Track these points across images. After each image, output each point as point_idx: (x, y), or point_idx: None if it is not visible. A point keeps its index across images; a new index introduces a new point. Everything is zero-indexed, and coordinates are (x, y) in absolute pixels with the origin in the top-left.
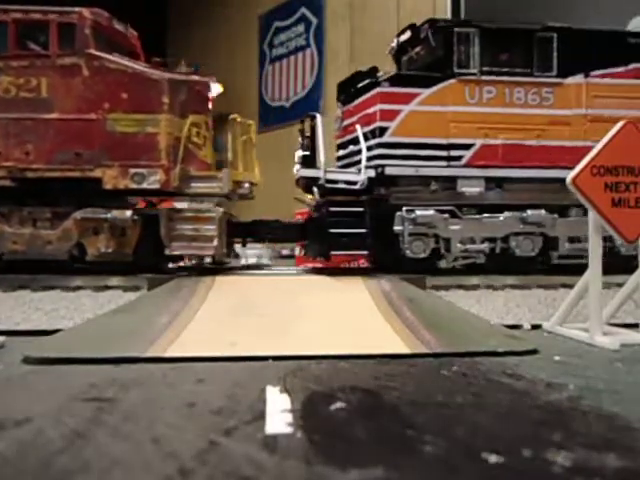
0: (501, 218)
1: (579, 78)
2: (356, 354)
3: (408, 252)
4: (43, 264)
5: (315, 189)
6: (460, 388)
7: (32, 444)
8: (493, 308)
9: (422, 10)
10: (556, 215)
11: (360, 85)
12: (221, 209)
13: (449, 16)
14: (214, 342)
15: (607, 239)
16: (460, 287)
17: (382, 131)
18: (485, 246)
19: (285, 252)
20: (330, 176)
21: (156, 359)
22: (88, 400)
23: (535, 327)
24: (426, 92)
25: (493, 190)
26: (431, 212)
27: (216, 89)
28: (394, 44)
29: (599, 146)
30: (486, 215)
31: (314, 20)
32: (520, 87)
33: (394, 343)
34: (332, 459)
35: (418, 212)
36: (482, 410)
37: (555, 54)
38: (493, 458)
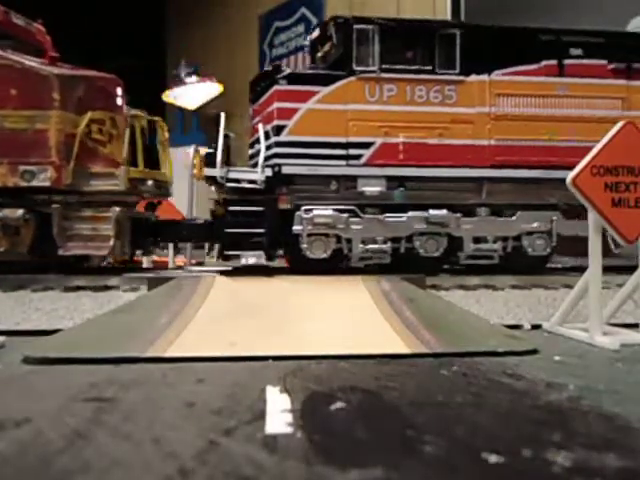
0: (404, 218)
1: (483, 76)
2: (356, 354)
3: (308, 253)
4: (43, 264)
5: (213, 188)
6: (460, 388)
7: (32, 444)
8: (493, 308)
9: (422, 10)
10: (459, 215)
11: (263, 84)
12: (118, 208)
13: (449, 16)
14: (214, 342)
15: (515, 239)
16: (460, 287)
17: (279, 130)
18: (388, 246)
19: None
20: (233, 175)
21: (156, 359)
22: (88, 400)
23: (535, 327)
24: (324, 90)
25: (396, 189)
26: (329, 212)
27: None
28: (307, 42)
29: (599, 146)
30: (388, 215)
31: (314, 20)
32: (422, 85)
33: (394, 343)
34: (332, 459)
35: (316, 212)
36: (482, 410)
37: (458, 51)
38: (493, 458)
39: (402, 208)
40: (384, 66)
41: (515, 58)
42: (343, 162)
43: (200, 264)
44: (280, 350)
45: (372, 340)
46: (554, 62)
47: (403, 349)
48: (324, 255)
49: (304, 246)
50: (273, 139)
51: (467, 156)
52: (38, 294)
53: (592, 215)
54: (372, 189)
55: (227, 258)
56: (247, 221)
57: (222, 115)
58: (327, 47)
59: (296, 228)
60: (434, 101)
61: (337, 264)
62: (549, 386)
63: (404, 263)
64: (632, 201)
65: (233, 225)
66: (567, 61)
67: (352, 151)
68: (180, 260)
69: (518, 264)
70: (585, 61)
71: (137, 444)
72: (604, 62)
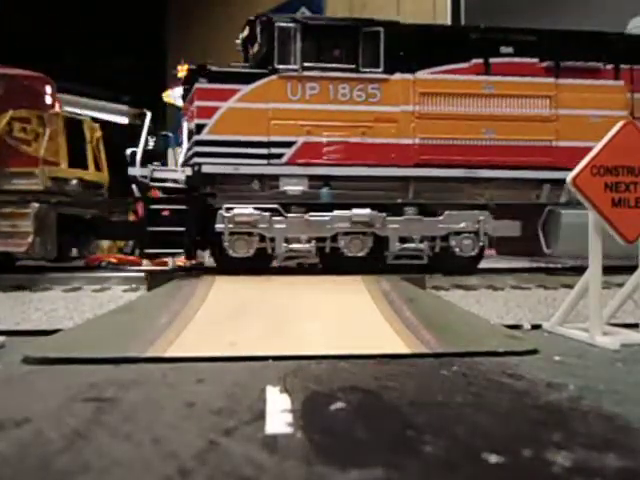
0: (327, 217)
1: (407, 74)
2: (356, 354)
3: (230, 251)
4: (43, 264)
5: (134, 187)
6: (460, 388)
7: (32, 444)
8: (493, 308)
9: (422, 10)
10: (384, 214)
11: (190, 82)
12: (37, 205)
13: (449, 17)
14: (214, 342)
15: (443, 239)
16: (460, 287)
17: (199, 128)
18: (312, 245)
19: None
20: (158, 175)
21: (156, 359)
22: (88, 400)
23: (535, 327)
24: (246, 88)
25: (322, 189)
26: (250, 210)
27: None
28: (239, 41)
29: (599, 146)
30: (312, 214)
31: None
32: (345, 83)
33: (394, 343)
34: (332, 459)
35: (236, 210)
36: (482, 410)
37: (382, 50)
38: (493, 458)
39: (331, 207)
40: (306, 64)
41: (443, 57)
42: (264, 161)
43: (200, 264)
44: (280, 350)
45: (372, 340)
46: (483, 60)
47: (403, 349)
48: (247, 254)
49: (226, 245)
50: (193, 138)
51: (391, 155)
52: (38, 294)
53: (592, 215)
54: (294, 188)
55: (151, 257)
56: (169, 220)
57: (148, 114)
58: (256, 46)
59: (218, 227)
60: (357, 100)
61: (262, 263)
62: (549, 386)
63: (330, 263)
64: (632, 201)
65: (152, 223)
66: (495, 59)
67: (273, 150)
68: (180, 260)
69: (448, 264)
70: (514, 59)
71: (137, 444)
72: (535, 60)
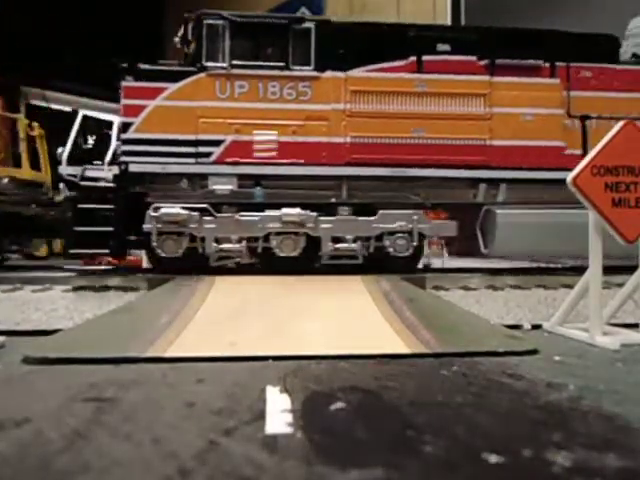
0: (257, 217)
1: (338, 72)
2: (356, 354)
3: (159, 251)
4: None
5: (61, 186)
6: (460, 388)
7: (32, 444)
8: (493, 308)
9: (422, 10)
10: (315, 214)
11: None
12: None
13: (449, 17)
14: (214, 342)
15: (377, 239)
16: (460, 287)
17: (126, 127)
18: (242, 245)
19: None
20: (90, 174)
21: (156, 359)
22: (88, 400)
23: (535, 327)
24: (174, 87)
25: (254, 188)
26: (177, 210)
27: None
28: (176, 39)
29: (599, 146)
30: (243, 214)
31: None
32: (275, 81)
33: (394, 343)
34: (332, 459)
35: (163, 210)
36: (482, 410)
37: (313, 47)
38: (493, 458)
39: (265, 207)
40: (235, 62)
41: (379, 55)
42: (192, 160)
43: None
44: (280, 350)
45: (372, 340)
46: (416, 59)
47: (403, 349)
48: (176, 254)
49: (154, 244)
50: (120, 136)
51: (322, 154)
52: (38, 294)
53: (592, 215)
54: (223, 187)
55: (76, 257)
56: (96, 219)
57: (80, 113)
58: (190, 43)
59: (146, 226)
60: (288, 98)
61: (194, 263)
62: (549, 386)
63: (263, 263)
64: (632, 201)
65: (79, 223)
66: (429, 57)
67: (202, 149)
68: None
69: (385, 264)
70: (449, 57)
71: (137, 444)
72: (470, 58)
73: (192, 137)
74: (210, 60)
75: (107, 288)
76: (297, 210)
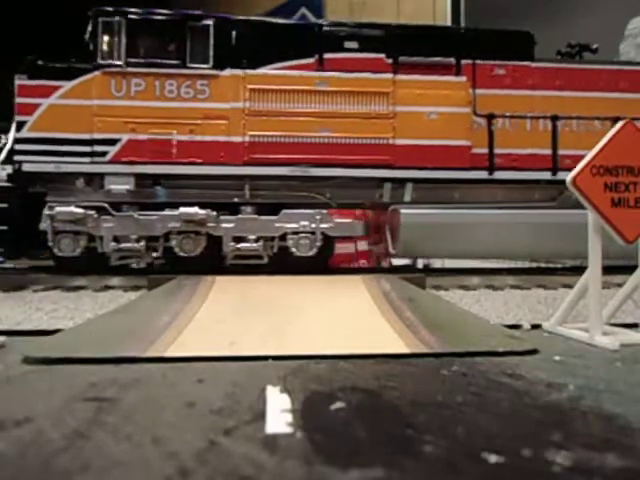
0: (156, 216)
1: (237, 70)
2: (356, 354)
3: (56, 251)
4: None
5: None
6: (460, 388)
7: (32, 444)
8: (493, 308)
9: (422, 10)
10: (215, 213)
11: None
12: None
13: (449, 17)
14: (214, 342)
15: (281, 238)
16: (460, 287)
17: (20, 126)
18: (142, 245)
19: None
20: None
21: (156, 359)
22: (88, 400)
23: (535, 327)
24: (69, 85)
25: (151, 187)
26: (72, 209)
27: None
28: (87, 37)
29: (599, 146)
30: (142, 213)
31: (313, 20)
32: (172, 79)
33: (394, 343)
34: (332, 459)
35: (59, 209)
36: (482, 410)
37: (212, 45)
38: (493, 458)
39: (169, 206)
40: (131, 60)
41: (282, 53)
42: (88, 159)
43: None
44: (280, 350)
45: (372, 340)
46: (317, 57)
47: (403, 349)
48: (73, 253)
49: (50, 244)
50: (15, 135)
51: (220, 153)
52: (38, 294)
53: (592, 215)
54: (119, 187)
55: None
56: None
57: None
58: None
59: (43, 225)
60: (185, 96)
61: (95, 263)
62: (549, 386)
63: (167, 263)
64: (632, 201)
65: None
66: (331, 55)
67: (97, 148)
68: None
69: (290, 264)
70: (353, 55)
71: (137, 444)
72: (375, 55)
73: (87, 136)
74: (105, 58)
75: (107, 288)
76: (195, 209)
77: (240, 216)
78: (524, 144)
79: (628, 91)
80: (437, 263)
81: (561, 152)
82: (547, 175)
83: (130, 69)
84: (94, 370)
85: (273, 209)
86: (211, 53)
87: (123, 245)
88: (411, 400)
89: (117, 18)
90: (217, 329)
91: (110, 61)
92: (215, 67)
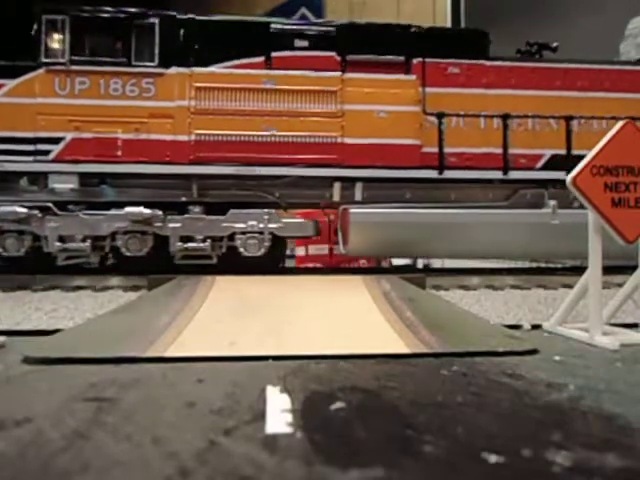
0: (102, 215)
1: (183, 68)
2: (356, 354)
3: (1, 250)
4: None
5: None
6: (460, 388)
7: (32, 444)
8: (493, 308)
9: (422, 10)
10: (160, 212)
11: None
12: None
13: (449, 17)
14: (214, 342)
15: (230, 238)
16: (460, 287)
17: None
18: (87, 245)
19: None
20: None
21: (156, 359)
22: (88, 400)
23: (535, 327)
24: (12, 83)
25: (98, 186)
26: (13, 208)
27: None
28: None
29: (599, 146)
30: (86, 212)
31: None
32: (117, 78)
33: (394, 343)
34: (332, 459)
35: (1, 209)
36: (482, 410)
37: (157, 43)
38: (493, 458)
39: (117, 206)
40: (75, 58)
41: (231, 51)
42: (31, 158)
43: None
44: (280, 350)
45: (372, 340)
46: (265, 55)
47: (403, 349)
48: (19, 253)
49: None
50: None
51: (166, 152)
52: (38, 294)
53: (592, 215)
54: (63, 186)
55: None
56: None
57: None
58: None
59: None
60: (130, 95)
61: (38, 262)
62: (549, 386)
63: (113, 262)
64: (632, 201)
65: None
66: (279, 53)
67: (40, 147)
68: None
69: (240, 265)
70: (302, 53)
71: (137, 444)
72: (324, 54)
73: (30, 135)
74: (49, 56)
75: (107, 288)
76: (140, 209)
77: (187, 216)
78: (478, 143)
79: (587, 89)
80: (437, 263)
81: (516, 151)
82: (499, 174)
83: (74, 67)
84: (94, 370)
85: (224, 209)
86: (157, 51)
87: (68, 245)
88: (411, 400)
89: (61, 16)
90: (217, 329)
91: (54, 59)
92: (161, 65)
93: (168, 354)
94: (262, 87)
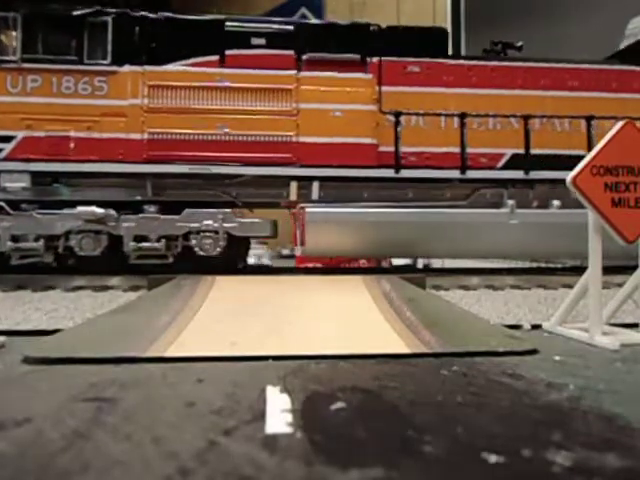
0: (56, 215)
1: (136, 66)
2: (356, 354)
3: None
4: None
5: None
6: (460, 388)
7: (32, 444)
8: (493, 308)
9: (422, 10)
10: (113, 211)
11: None
12: None
13: (449, 17)
14: (214, 342)
15: (185, 238)
16: (460, 287)
17: None
18: (40, 244)
19: (285, 252)
20: None
21: (156, 359)
22: (88, 400)
23: (535, 327)
24: None
25: (51, 185)
26: None
27: None
28: None
29: (599, 146)
30: (39, 211)
31: (314, 20)
32: (69, 76)
33: (394, 343)
34: (332, 459)
35: None
36: (482, 410)
37: (110, 41)
38: (493, 458)
39: (71, 205)
40: (26, 56)
41: (186, 49)
42: None
43: None
44: (280, 350)
45: (372, 340)
46: (220, 53)
47: (403, 349)
48: None
49: None
50: None
51: (119, 150)
52: (38, 294)
53: (592, 215)
54: (14, 185)
55: None
56: None
57: None
58: None
59: None
60: (83, 93)
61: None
62: (549, 386)
63: (67, 262)
64: (632, 201)
65: None
66: (234, 52)
67: None
68: None
69: (197, 265)
70: (257, 51)
71: (137, 444)
72: (284, 52)
73: None
74: (0, 53)
75: (107, 288)
76: (93, 208)
77: (141, 215)
78: (439, 142)
79: (549, 88)
80: (437, 263)
81: (477, 150)
82: (457, 174)
83: (26, 65)
84: (94, 370)
85: (182, 208)
86: (109, 49)
87: (21, 244)
88: (411, 400)
89: (12, 13)
90: (217, 329)
91: (5, 57)
92: (114, 63)
93: (168, 354)
94: (216, 85)
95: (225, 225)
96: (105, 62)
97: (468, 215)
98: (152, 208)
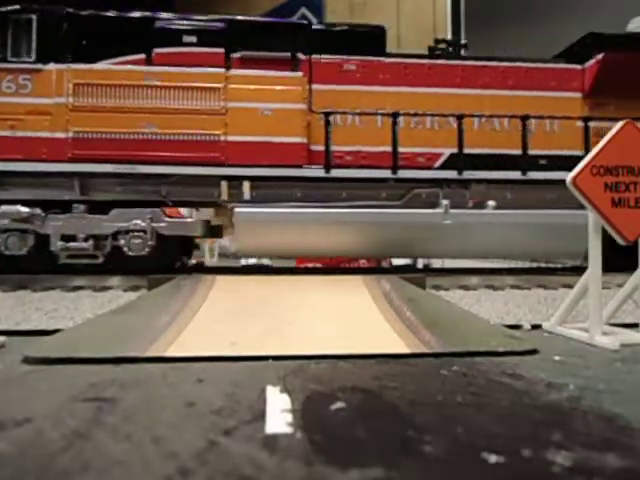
0: None
1: (62, 65)
2: (356, 354)
3: None
4: (43, 264)
5: None
6: (460, 388)
7: (32, 444)
8: (493, 308)
9: (422, 10)
10: (39, 210)
11: None
12: None
13: (449, 17)
14: (214, 342)
15: (115, 237)
16: (460, 287)
17: None
18: None
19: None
20: None
21: (156, 359)
22: (88, 400)
23: (535, 327)
24: None
25: None
26: None
27: None
28: None
29: (599, 146)
30: None
31: (314, 20)
32: None
33: (394, 343)
34: (332, 459)
35: None
36: (482, 410)
37: (35, 38)
38: (493, 458)
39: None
40: None
41: (114, 47)
42: None
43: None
44: (280, 350)
45: (372, 340)
46: (148, 51)
47: (403, 349)
48: None
49: None
50: None
51: (43, 149)
52: (38, 294)
53: (592, 215)
54: None
55: None
56: None
57: None
58: None
59: None
60: (6, 91)
61: None
62: (549, 386)
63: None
64: (632, 201)
65: None
66: (162, 50)
67: None
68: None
69: (127, 264)
70: (186, 49)
71: (137, 444)
72: (213, 50)
73: None
74: None
75: (107, 288)
76: (17, 207)
77: (69, 214)
78: (375, 141)
79: (489, 87)
80: (437, 263)
81: (414, 150)
82: (389, 173)
83: None
84: (94, 370)
85: (113, 208)
86: (34, 47)
87: None
88: (411, 400)
89: None
90: (217, 329)
91: None
92: (38, 61)
93: (168, 354)
94: (142, 84)
95: (154, 225)
96: (30, 60)
97: (400, 215)
98: (80, 207)
